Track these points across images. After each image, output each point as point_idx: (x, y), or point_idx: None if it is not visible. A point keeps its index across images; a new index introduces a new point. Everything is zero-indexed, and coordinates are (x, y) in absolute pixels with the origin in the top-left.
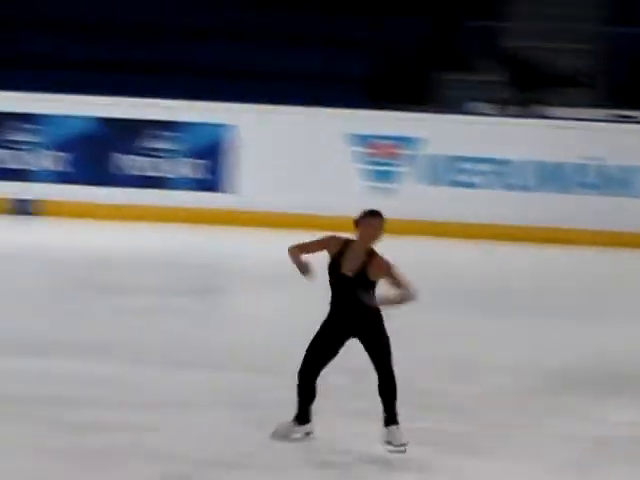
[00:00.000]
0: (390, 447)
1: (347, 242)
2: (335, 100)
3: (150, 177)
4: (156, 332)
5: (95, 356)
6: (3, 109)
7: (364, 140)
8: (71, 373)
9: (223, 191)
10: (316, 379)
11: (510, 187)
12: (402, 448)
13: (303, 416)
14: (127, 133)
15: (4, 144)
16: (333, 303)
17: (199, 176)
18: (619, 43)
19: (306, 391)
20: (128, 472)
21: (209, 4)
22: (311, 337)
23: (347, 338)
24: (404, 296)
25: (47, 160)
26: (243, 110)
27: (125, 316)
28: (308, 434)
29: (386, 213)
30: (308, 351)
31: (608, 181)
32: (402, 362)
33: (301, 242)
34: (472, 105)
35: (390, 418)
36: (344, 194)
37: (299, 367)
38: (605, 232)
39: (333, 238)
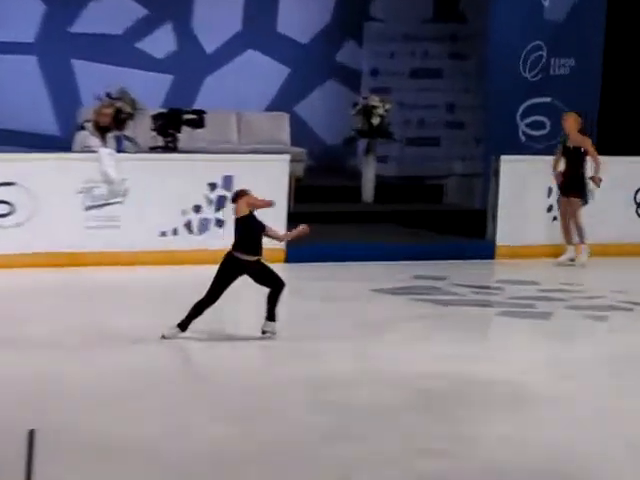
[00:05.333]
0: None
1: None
2: None
3: None
4: None
5: None
6: None
7: None
8: None
9: None
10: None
11: None
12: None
13: (185, 326)
14: None
15: None
16: (228, 260)
17: None
18: None
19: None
20: None
21: None
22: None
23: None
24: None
25: None
26: None
27: None
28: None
29: None
30: (210, 291)
31: None
32: None
33: (259, 202)
34: None
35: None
36: None
37: (203, 298)
38: None
39: (245, 199)
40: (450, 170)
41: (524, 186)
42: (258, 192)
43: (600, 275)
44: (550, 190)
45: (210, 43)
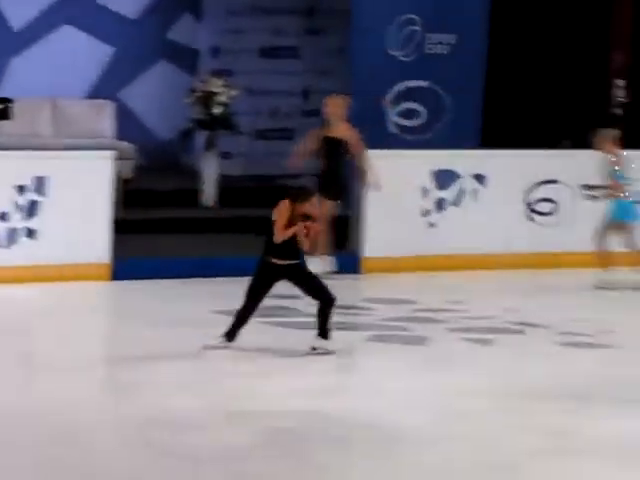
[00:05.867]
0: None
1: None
2: None
3: None
4: None
5: None
6: None
7: None
8: None
9: None
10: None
11: None
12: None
13: (231, 336)
14: None
15: None
16: (264, 261)
17: None
18: None
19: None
20: None
21: None
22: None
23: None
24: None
25: None
26: None
27: None
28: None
29: None
30: (248, 295)
31: None
32: None
33: (278, 227)
34: None
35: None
36: None
37: (241, 305)
38: None
39: (286, 204)
40: (307, 168)
41: (395, 186)
42: (77, 197)
43: (488, 291)
44: (426, 190)
45: (17, 17)
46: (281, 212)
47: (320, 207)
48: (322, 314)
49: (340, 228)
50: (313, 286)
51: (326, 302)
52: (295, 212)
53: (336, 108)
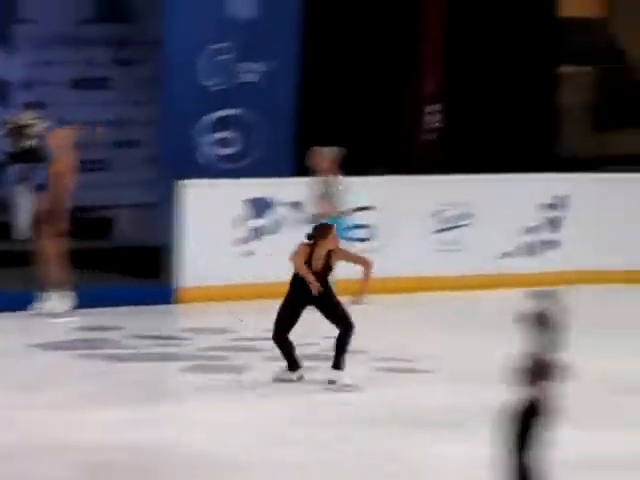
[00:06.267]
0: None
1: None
2: None
3: None
4: None
5: None
6: None
7: None
8: None
9: None
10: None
11: None
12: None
13: (293, 364)
14: None
15: None
16: (296, 283)
17: None
18: None
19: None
20: None
21: None
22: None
23: (305, 307)
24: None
25: None
26: None
27: None
28: (301, 378)
29: None
30: (277, 320)
31: None
32: None
33: (299, 253)
34: None
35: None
36: None
37: (272, 333)
38: None
39: (303, 246)
40: (120, 199)
41: (210, 216)
42: None
43: (307, 318)
44: (241, 219)
45: None
46: (297, 253)
47: (48, 244)
48: (340, 342)
49: (152, 258)
50: (336, 312)
51: (344, 328)
52: (317, 251)
53: (58, 141)
